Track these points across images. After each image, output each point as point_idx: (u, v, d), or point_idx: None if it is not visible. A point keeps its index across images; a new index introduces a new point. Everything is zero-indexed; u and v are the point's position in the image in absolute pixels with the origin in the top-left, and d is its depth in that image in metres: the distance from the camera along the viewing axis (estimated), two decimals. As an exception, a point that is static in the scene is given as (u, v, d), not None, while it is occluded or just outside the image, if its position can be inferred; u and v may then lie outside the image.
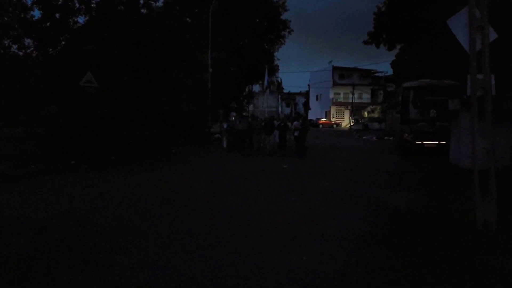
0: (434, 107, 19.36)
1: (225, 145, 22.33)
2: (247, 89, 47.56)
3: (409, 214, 8.05)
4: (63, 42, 19.85)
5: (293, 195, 9.84)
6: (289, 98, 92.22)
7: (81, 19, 20.01)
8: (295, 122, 20.56)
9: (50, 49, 19.72)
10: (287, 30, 46.20)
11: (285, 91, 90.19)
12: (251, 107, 70.16)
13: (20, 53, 18.24)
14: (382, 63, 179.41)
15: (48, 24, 19.01)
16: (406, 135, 19.50)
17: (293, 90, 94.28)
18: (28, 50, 18.52)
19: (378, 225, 7.15)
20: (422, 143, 18.61)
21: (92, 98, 16.24)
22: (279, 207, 8.46)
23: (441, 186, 11.69)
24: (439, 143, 18.31)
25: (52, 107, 16.01)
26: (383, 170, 15.03)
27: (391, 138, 30.96)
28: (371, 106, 70.24)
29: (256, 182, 12.13)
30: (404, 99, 20.67)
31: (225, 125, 23.13)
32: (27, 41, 18.58)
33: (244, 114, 38.82)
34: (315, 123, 66.26)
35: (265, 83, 29.64)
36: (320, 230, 6.68)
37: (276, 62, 48.47)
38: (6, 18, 17.96)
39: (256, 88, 72.08)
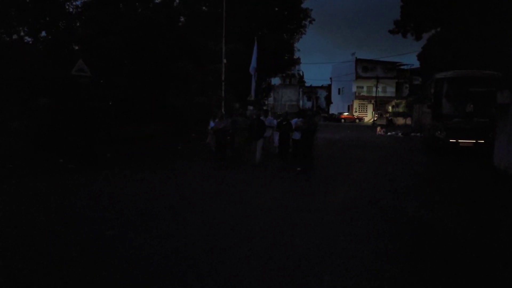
0: (471, 101, 17.26)
1: (213, 149, 15.87)
2: (266, 82, 45.73)
3: (467, 245, 5.88)
4: (60, 28, 18.19)
5: (301, 214, 7.52)
6: (311, 91, 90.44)
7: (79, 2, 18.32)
8: (294, 120, 15.34)
9: (49, 36, 18.10)
10: (308, 19, 43.85)
11: (306, 84, 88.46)
12: (271, 100, 68.37)
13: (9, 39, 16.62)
14: (408, 54, 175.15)
15: (41, 6, 17.32)
16: (439, 132, 17.60)
17: (314, 83, 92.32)
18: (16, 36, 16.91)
19: (425, 269, 4.99)
20: (456, 142, 16.93)
21: (85, 89, 14.54)
22: (279, 239, 6.06)
23: (495, 198, 9.39)
24: (476, 141, 16.68)
25: (40, 99, 14.35)
26: (415, 174, 12.82)
27: (419, 134, 29.17)
28: (395, 100, 67.50)
29: (255, 192, 10.11)
30: (436, 92, 18.41)
31: (211, 124, 15.92)
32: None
33: (264, 107, 37.07)
34: (337, 118, 64.32)
35: (252, 64, 21.93)
36: (337, 283, 4.55)
37: (297, 53, 46.48)
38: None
39: (276, 81, 70.30)
